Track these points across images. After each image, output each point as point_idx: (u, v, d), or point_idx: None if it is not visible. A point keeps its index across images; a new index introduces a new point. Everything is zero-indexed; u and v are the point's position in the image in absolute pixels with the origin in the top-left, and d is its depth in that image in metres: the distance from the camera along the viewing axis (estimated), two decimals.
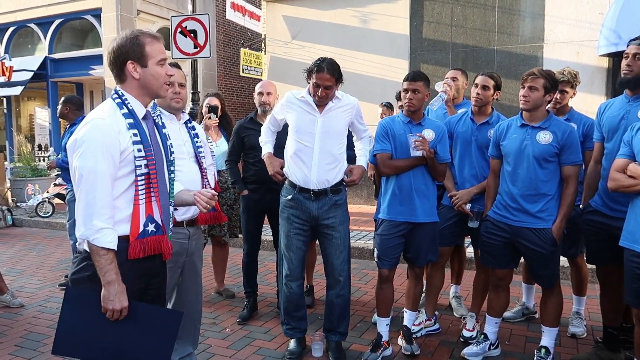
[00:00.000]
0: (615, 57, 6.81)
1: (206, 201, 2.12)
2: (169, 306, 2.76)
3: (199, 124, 4.19)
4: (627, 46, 2.84)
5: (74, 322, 1.86)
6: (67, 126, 4.78)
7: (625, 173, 2.47)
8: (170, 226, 2.07)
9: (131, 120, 1.86)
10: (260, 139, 3.37)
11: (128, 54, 1.86)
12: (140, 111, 1.92)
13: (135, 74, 1.88)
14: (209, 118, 3.93)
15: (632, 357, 2.79)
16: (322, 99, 2.98)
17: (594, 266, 3.16)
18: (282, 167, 3.17)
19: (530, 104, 2.83)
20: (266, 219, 3.96)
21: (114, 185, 1.81)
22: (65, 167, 4.59)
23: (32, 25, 11.79)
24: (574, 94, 3.36)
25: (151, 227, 1.89)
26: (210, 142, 4.04)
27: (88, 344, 1.86)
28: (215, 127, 4.17)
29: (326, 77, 2.90)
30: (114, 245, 1.78)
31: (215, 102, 4.21)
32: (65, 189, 4.82)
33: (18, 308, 4.21)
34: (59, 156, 4.86)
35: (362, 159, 3.25)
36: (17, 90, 11.28)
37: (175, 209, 2.49)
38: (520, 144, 2.88)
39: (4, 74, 11.31)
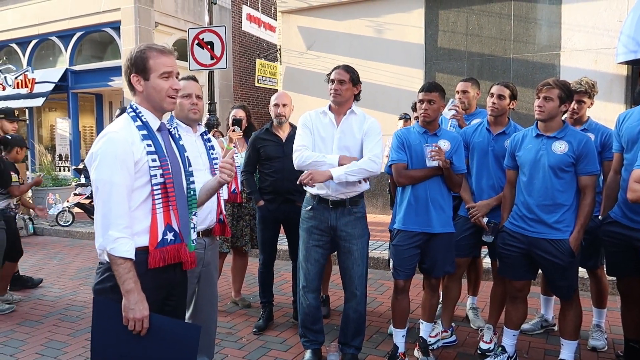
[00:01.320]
0: (634, 65, 6.73)
1: (229, 167, 2.16)
2: (186, 315, 2.79)
3: (226, 134, 4.25)
4: None
5: (104, 332, 1.90)
6: None
7: None
8: (194, 236, 2.10)
9: (145, 132, 1.92)
10: (309, 160, 3.02)
11: (132, 67, 1.95)
12: (154, 123, 1.98)
13: (138, 86, 1.96)
14: (233, 130, 3.99)
15: None
16: (336, 95, 3.05)
17: (614, 278, 3.11)
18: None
19: (546, 114, 2.82)
20: (282, 229, 3.98)
21: (132, 196, 1.86)
22: None
23: (54, 38, 12.09)
24: (592, 103, 3.32)
25: (170, 236, 1.93)
26: (236, 153, 4.09)
27: (117, 355, 1.89)
28: (241, 138, 4.22)
29: (340, 72, 3.08)
30: (130, 254, 1.81)
31: (240, 114, 4.25)
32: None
33: (40, 316, 4.29)
34: None
35: (337, 168, 2.92)
36: (38, 102, 11.55)
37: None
38: (536, 154, 2.86)
39: (26, 86, 11.60)
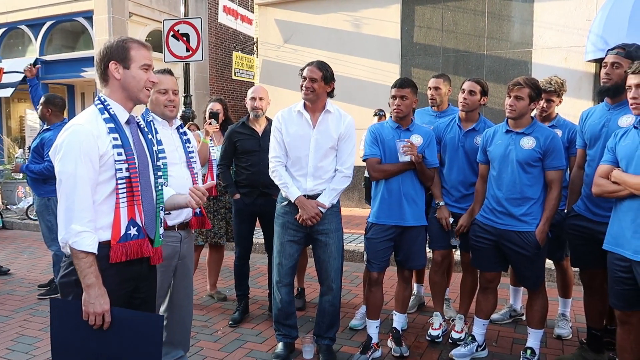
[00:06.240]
0: (602, 63, 6.92)
1: (200, 195, 2.11)
2: (162, 309, 2.79)
3: (202, 127, 4.22)
4: (606, 55, 2.92)
5: (64, 332, 1.88)
6: (41, 129, 4.56)
7: (609, 179, 2.53)
8: (161, 231, 2.10)
9: (112, 125, 1.91)
10: (278, 182, 3.12)
11: (112, 54, 1.93)
12: (122, 116, 1.96)
13: (116, 74, 1.94)
14: (210, 124, 3.97)
15: (615, 358, 2.86)
16: (307, 92, 3.02)
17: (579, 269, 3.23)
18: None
19: (516, 113, 2.91)
20: (258, 222, 3.99)
21: (97, 190, 1.85)
22: (31, 176, 4.41)
23: (23, 27, 11.74)
24: (560, 101, 3.43)
25: (133, 231, 1.92)
26: (212, 146, 4.07)
27: (81, 353, 1.87)
28: (218, 131, 4.21)
29: (312, 69, 3.02)
30: (92, 248, 1.80)
31: (217, 107, 4.24)
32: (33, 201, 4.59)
33: (10, 311, 4.22)
34: (26, 160, 4.58)
35: (324, 197, 3.05)
36: (7, 92, 11.22)
37: (168, 213, 2.51)
38: (505, 150, 2.95)
39: None
